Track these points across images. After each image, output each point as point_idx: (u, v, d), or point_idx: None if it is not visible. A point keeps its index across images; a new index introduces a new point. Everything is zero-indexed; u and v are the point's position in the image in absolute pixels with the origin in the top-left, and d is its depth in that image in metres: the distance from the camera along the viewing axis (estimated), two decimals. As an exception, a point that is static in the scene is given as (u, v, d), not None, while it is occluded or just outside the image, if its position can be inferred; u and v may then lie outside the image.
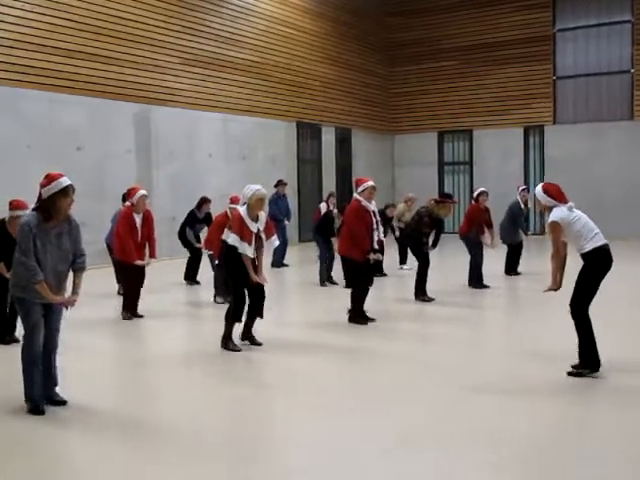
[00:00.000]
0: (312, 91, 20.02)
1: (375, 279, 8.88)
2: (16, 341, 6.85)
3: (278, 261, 13.55)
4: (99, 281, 10.64)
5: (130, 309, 8.74)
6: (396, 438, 4.56)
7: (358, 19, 21.84)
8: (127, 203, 8.92)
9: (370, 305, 8.48)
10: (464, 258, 11.17)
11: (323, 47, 20.45)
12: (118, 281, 10.31)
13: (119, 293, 10.13)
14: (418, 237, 9.69)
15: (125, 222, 8.56)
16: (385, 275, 12.20)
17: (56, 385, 5.27)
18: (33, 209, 5.03)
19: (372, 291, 8.53)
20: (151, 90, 15.28)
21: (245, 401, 5.50)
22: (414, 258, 10.06)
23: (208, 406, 5.39)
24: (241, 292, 6.88)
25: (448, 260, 14.42)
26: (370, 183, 8.11)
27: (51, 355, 5.20)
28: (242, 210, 6.83)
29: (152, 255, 8.87)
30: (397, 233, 12.63)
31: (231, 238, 6.77)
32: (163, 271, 11.92)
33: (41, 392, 5.10)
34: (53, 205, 4.88)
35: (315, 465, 4.16)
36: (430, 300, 9.65)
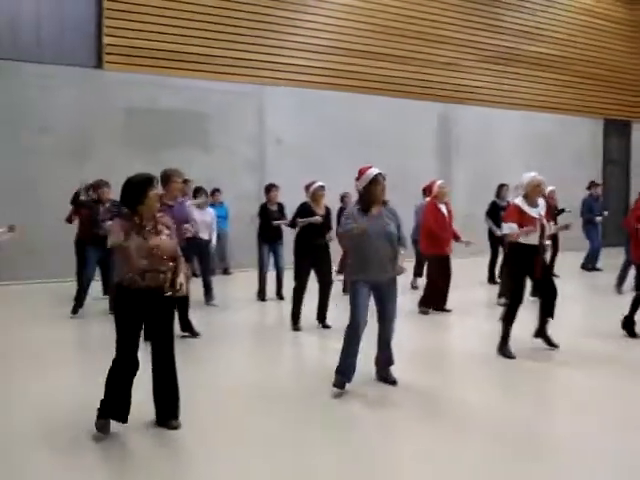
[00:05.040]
0: (621, 85, 18.47)
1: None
2: None
3: (591, 265, 13.00)
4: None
5: (437, 303, 8.73)
6: None
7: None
8: (427, 198, 9.00)
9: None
10: None
11: (636, 37, 18.77)
12: (416, 274, 10.53)
13: (413, 287, 10.41)
14: None
15: (432, 215, 8.62)
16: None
17: (390, 364, 5.50)
18: (357, 202, 5.47)
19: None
20: (451, 89, 15.28)
21: (524, 409, 5.14)
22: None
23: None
24: (520, 290, 6.47)
25: None
26: None
27: (387, 335, 5.41)
28: (518, 200, 6.51)
29: (459, 238, 8.81)
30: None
31: (506, 227, 6.45)
32: (467, 268, 11.63)
33: (353, 369, 5.27)
34: (368, 194, 5.32)
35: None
36: None
